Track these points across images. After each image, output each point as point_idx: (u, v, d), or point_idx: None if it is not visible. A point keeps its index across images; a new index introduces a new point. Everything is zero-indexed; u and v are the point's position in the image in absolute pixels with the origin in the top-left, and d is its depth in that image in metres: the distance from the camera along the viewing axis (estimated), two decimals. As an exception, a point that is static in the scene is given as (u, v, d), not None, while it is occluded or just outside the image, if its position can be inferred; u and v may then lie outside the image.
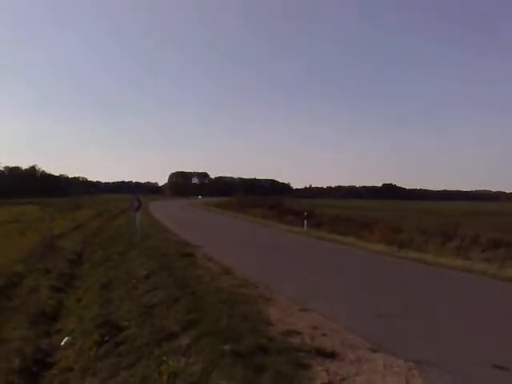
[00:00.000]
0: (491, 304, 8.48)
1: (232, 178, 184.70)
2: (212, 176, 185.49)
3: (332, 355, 5.38)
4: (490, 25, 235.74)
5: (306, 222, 25.37)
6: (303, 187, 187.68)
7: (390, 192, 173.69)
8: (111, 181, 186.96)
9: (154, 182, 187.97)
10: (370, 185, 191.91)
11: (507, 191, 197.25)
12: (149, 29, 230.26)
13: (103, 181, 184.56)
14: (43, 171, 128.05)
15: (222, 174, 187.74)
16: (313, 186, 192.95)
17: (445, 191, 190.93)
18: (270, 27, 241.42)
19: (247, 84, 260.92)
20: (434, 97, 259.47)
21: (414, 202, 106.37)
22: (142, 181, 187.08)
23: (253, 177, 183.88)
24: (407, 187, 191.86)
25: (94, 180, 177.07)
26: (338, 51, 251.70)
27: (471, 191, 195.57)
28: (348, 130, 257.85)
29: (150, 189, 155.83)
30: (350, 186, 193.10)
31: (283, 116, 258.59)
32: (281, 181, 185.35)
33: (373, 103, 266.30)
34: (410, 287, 10.06)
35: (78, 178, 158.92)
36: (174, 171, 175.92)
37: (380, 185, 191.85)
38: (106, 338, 6.66)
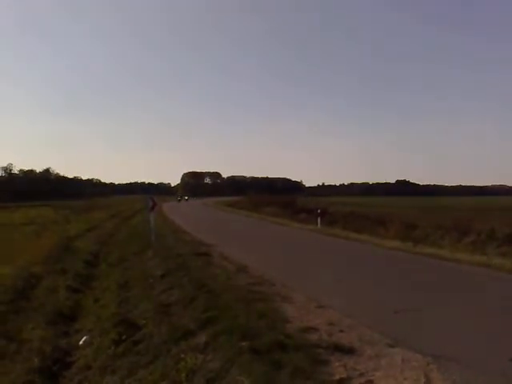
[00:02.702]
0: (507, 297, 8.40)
1: (244, 177, 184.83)
2: (224, 176, 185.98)
3: (350, 351, 5.38)
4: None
5: (319, 219, 25.29)
6: (316, 185, 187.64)
7: (403, 188, 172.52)
8: (124, 182, 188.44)
9: (166, 182, 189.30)
10: (383, 181, 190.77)
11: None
12: (163, 25, 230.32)
13: (116, 182, 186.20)
14: (57, 174, 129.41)
15: (234, 174, 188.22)
16: (326, 183, 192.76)
17: (459, 186, 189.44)
18: (278, 21, 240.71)
19: (261, 80, 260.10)
20: (446, 89, 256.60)
21: (428, 198, 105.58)
22: (155, 181, 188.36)
23: (265, 176, 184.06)
24: (421, 183, 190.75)
25: (108, 181, 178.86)
26: (353, 45, 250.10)
27: (486, 186, 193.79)
28: (361, 127, 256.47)
29: (162, 189, 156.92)
30: (363, 183, 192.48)
31: (297, 113, 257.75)
32: (293, 179, 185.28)
33: (386, 97, 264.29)
34: (427, 283, 9.99)
35: (92, 179, 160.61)
36: (186, 171, 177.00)
37: (393, 181, 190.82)
38: (124, 336, 6.69)
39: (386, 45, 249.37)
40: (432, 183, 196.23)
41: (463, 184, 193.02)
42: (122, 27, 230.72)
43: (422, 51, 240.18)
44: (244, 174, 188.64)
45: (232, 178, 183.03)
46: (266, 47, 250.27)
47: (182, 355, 5.43)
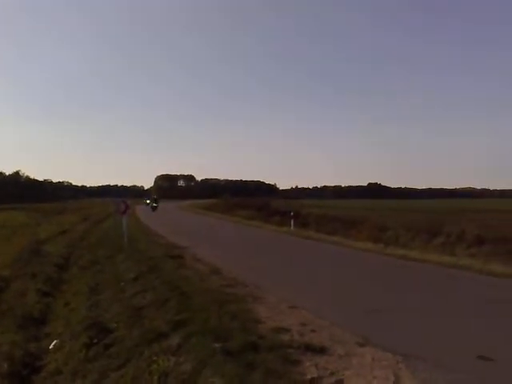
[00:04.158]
0: (474, 295, 8.65)
1: (218, 180, 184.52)
2: (198, 178, 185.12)
3: (321, 351, 5.45)
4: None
5: (292, 221, 25.48)
6: (289, 188, 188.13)
7: (375, 191, 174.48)
8: (96, 185, 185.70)
9: (139, 185, 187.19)
10: (355, 184, 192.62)
11: (491, 188, 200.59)
12: (132, 27, 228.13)
13: (88, 185, 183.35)
14: (27, 176, 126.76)
15: (208, 176, 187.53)
16: (299, 186, 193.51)
17: (429, 189, 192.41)
18: (257, 25, 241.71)
19: (233, 83, 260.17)
20: (420, 95, 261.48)
21: (399, 201, 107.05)
22: (128, 184, 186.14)
23: (239, 178, 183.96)
24: (392, 186, 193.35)
25: (79, 184, 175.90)
26: (325, 49, 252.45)
27: (456, 189, 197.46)
28: (332, 130, 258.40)
29: (136, 192, 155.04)
30: (335, 186, 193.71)
31: (269, 116, 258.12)
32: (267, 182, 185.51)
33: (358, 101, 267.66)
34: (397, 283, 10.18)
35: (63, 182, 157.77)
36: (159, 174, 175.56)
37: (365, 184, 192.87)
38: (95, 340, 6.64)
39: (358, 47, 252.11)
40: (403, 186, 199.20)
41: (433, 187, 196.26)
42: (90, 32, 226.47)
43: (392, 54, 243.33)
44: (218, 177, 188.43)
45: (206, 181, 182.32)
46: (240, 49, 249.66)
47: (155, 358, 5.41)
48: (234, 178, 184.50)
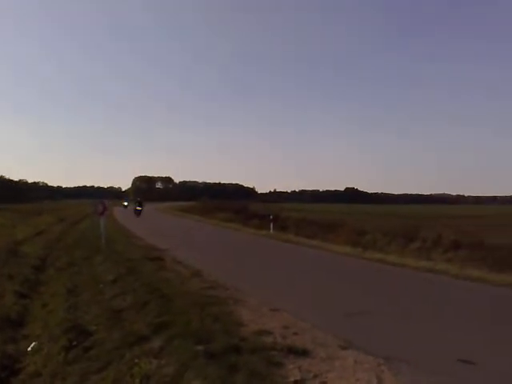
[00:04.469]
0: (452, 300, 8.80)
1: (196, 183, 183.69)
2: (176, 181, 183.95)
3: (304, 353, 5.49)
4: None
5: (272, 225, 25.54)
6: (268, 191, 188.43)
7: (352, 196, 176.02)
8: (73, 186, 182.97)
9: (117, 186, 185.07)
10: (333, 189, 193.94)
11: (466, 194, 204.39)
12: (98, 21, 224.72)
13: (64, 186, 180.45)
14: (1, 176, 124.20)
15: (186, 179, 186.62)
16: (277, 190, 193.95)
17: (406, 195, 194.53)
18: (233, 30, 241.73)
19: (210, 85, 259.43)
20: (394, 100, 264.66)
21: (376, 206, 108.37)
22: (105, 186, 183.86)
23: (217, 181, 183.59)
24: (369, 191, 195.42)
25: (55, 185, 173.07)
26: (297, 49, 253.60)
27: (431, 195, 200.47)
28: (310, 134, 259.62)
29: (113, 194, 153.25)
30: (313, 190, 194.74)
31: (246, 120, 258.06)
32: (246, 185, 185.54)
33: (336, 107, 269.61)
34: (376, 287, 10.30)
35: (38, 183, 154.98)
36: (137, 176, 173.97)
37: (343, 189, 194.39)
38: (74, 342, 6.56)
39: (332, 53, 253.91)
40: (380, 191, 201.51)
41: (409, 193, 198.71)
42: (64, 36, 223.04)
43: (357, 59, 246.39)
44: (196, 179, 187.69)
45: (184, 183, 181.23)
46: (217, 52, 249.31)
47: (136, 360, 5.38)
48: (213, 181, 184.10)
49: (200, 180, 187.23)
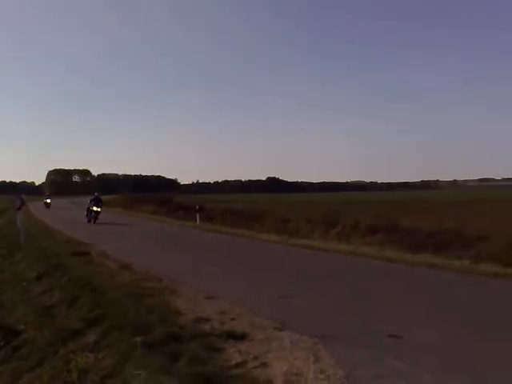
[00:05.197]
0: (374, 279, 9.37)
1: (116, 175, 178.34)
2: (94, 173, 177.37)
3: (242, 337, 5.64)
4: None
5: (198, 216, 25.51)
6: (191, 182, 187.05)
7: (274, 185, 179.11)
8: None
9: (30, 181, 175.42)
10: (255, 178, 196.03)
11: (378, 181, 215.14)
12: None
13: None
14: None
15: (105, 171, 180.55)
16: (200, 181, 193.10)
17: (323, 183, 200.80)
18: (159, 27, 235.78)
19: (130, 82, 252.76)
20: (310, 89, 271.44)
21: (296, 194, 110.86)
22: (17, 180, 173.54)
23: (138, 173, 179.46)
24: (289, 180, 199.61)
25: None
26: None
27: (347, 182, 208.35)
28: (231, 125, 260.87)
29: (26, 189, 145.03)
30: (236, 180, 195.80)
31: (166, 112, 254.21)
32: (168, 177, 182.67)
33: (257, 97, 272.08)
34: (305, 271, 10.70)
35: None
36: (52, 169, 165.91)
37: (264, 178, 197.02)
38: (1, 343, 6.35)
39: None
40: (299, 180, 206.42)
41: (327, 181, 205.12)
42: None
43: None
44: (116, 172, 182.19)
45: (103, 176, 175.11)
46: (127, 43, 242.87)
47: (72, 356, 5.28)
48: (133, 173, 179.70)
49: (120, 172, 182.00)
